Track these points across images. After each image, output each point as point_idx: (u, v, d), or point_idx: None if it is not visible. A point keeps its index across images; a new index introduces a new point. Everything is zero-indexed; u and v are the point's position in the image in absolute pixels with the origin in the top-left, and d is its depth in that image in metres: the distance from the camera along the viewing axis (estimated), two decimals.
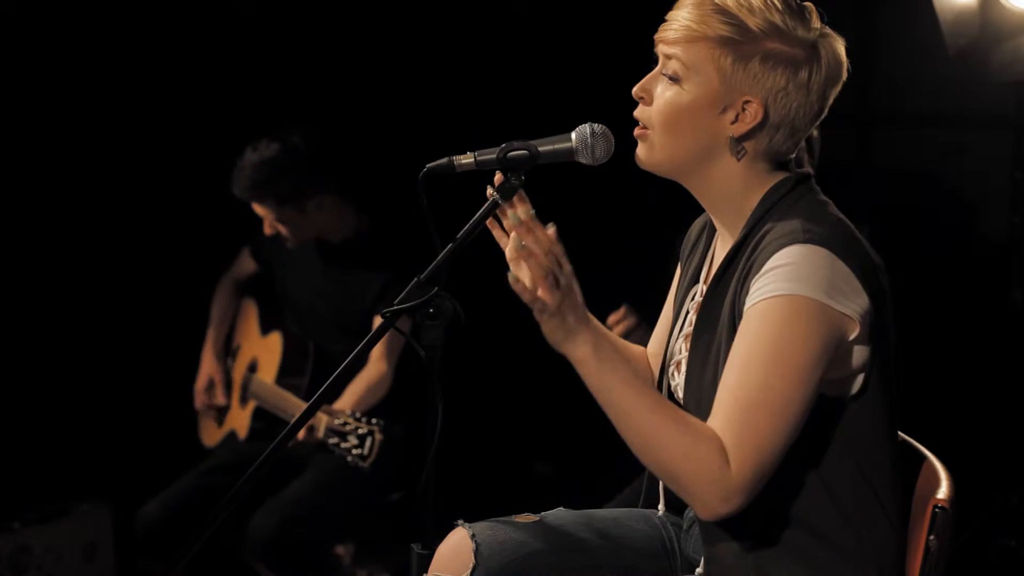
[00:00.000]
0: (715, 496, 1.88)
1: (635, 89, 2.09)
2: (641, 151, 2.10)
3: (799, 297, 1.90)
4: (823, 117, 2.07)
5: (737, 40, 1.99)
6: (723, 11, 2.00)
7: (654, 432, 1.90)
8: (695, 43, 2.01)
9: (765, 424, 1.89)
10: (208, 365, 4.03)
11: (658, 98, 2.06)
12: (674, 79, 2.04)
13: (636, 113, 2.10)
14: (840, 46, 2.04)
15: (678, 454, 1.88)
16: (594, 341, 1.92)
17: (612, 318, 3.52)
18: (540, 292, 1.89)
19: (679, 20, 2.03)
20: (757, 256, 1.97)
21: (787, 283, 1.91)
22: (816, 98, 2.02)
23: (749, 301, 1.94)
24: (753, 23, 1.99)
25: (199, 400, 4.01)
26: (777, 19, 1.99)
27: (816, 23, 2.02)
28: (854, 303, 1.93)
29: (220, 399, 3.98)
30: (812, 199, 2.05)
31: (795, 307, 1.90)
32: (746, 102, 2.01)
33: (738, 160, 2.04)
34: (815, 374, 1.91)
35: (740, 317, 1.96)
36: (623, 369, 1.93)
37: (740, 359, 1.92)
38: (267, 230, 3.79)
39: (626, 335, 3.44)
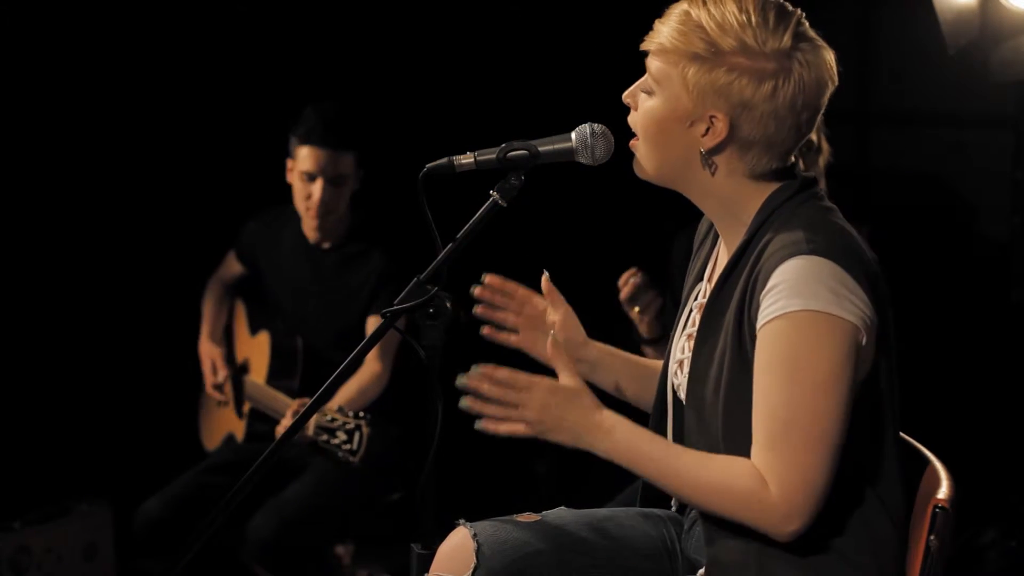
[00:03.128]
0: (772, 521, 1.93)
1: (624, 95, 2.12)
2: (635, 163, 2.12)
3: (807, 313, 1.91)
4: (809, 130, 2.03)
5: (704, 56, 1.99)
6: (699, 27, 2.00)
7: (691, 487, 1.98)
8: (665, 56, 2.03)
9: (798, 441, 1.91)
10: (206, 350, 3.97)
11: (640, 107, 2.09)
12: (648, 92, 2.07)
13: (629, 119, 2.12)
14: (822, 57, 2.01)
15: (717, 497, 1.96)
16: (608, 427, 2.01)
17: (622, 279, 3.39)
18: (513, 429, 2.06)
19: (658, 33, 2.05)
20: (762, 267, 1.97)
21: (793, 299, 1.91)
22: (787, 111, 1.99)
23: (760, 319, 1.95)
24: (725, 43, 1.98)
25: (209, 383, 3.93)
26: (749, 37, 1.98)
27: (788, 40, 1.98)
28: (861, 311, 1.93)
29: (223, 371, 3.91)
30: (814, 205, 2.04)
31: (804, 323, 1.91)
32: (712, 116, 2.01)
33: (712, 175, 2.05)
34: (840, 383, 1.92)
35: (750, 328, 1.97)
36: (645, 442, 2.00)
37: (762, 384, 1.94)
38: (325, 198, 3.65)
39: (634, 297, 3.31)
